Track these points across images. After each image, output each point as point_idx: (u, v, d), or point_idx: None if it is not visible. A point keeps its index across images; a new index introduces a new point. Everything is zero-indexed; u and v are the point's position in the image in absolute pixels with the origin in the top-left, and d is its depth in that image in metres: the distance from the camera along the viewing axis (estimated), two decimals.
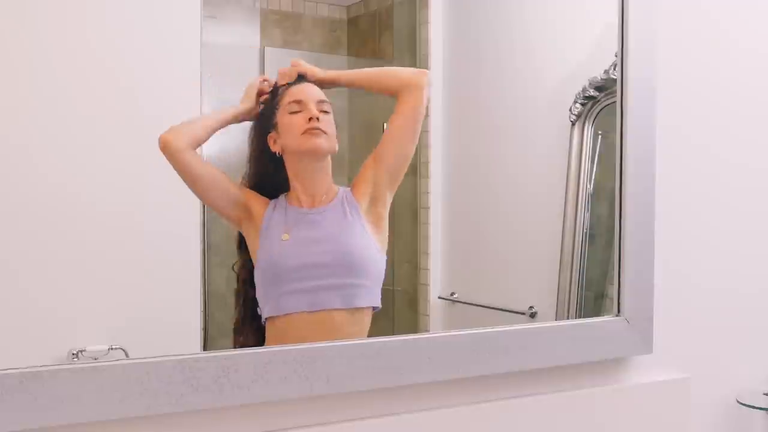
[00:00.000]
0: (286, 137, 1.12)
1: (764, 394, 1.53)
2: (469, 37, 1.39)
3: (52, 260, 0.99)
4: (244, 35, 1.18)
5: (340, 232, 1.13)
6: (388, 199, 1.16)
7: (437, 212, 1.32)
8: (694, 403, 1.41)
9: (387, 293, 1.29)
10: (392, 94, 1.16)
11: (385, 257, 1.14)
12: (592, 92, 1.37)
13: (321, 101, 1.13)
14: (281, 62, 1.19)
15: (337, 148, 1.14)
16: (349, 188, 1.15)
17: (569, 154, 1.39)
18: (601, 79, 1.37)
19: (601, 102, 1.37)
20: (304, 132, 1.11)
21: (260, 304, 1.10)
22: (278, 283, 1.10)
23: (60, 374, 0.89)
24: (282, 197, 1.13)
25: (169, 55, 1.07)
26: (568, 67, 1.42)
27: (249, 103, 1.12)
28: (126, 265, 1.03)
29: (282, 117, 1.12)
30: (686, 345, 1.45)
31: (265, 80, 1.14)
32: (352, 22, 1.25)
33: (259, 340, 1.10)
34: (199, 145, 1.05)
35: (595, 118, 1.38)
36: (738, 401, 1.50)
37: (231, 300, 1.15)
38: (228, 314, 1.15)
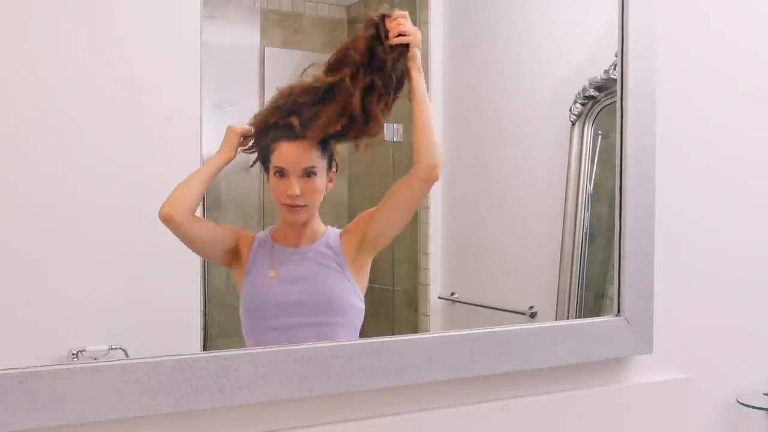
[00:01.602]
0: (273, 197, 1.13)
1: (764, 394, 1.53)
2: (469, 37, 1.39)
3: (52, 260, 0.99)
4: (244, 35, 1.18)
5: (319, 273, 1.14)
6: (374, 252, 1.17)
7: (437, 212, 1.32)
8: (694, 403, 1.41)
9: (387, 293, 1.29)
10: (415, 156, 1.14)
11: (363, 304, 1.15)
12: (592, 92, 1.37)
13: (307, 168, 1.11)
14: (281, 62, 1.19)
15: (319, 203, 1.14)
16: (338, 231, 1.16)
17: (569, 154, 1.39)
18: (601, 79, 1.37)
19: (601, 102, 1.37)
20: (283, 204, 1.12)
21: (245, 339, 1.12)
22: (260, 319, 1.12)
23: (60, 374, 0.89)
24: (267, 234, 1.15)
25: (169, 55, 1.07)
26: (568, 67, 1.42)
27: (229, 152, 1.10)
28: (126, 265, 1.03)
29: (271, 175, 1.12)
30: (686, 345, 1.45)
31: (250, 128, 1.12)
32: (352, 21, 1.25)
33: None
34: (195, 210, 1.06)
35: (595, 118, 1.38)
36: (738, 401, 1.50)
37: (231, 300, 1.16)
38: (228, 314, 1.15)
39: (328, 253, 1.14)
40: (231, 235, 1.13)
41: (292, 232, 1.15)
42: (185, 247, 1.07)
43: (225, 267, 1.13)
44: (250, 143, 1.12)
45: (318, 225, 1.15)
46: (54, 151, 0.98)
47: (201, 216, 1.08)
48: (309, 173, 1.12)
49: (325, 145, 1.13)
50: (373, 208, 1.17)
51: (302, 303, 1.12)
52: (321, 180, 1.13)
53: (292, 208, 1.12)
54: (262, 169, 1.13)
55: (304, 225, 1.15)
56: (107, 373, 0.92)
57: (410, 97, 1.15)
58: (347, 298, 1.15)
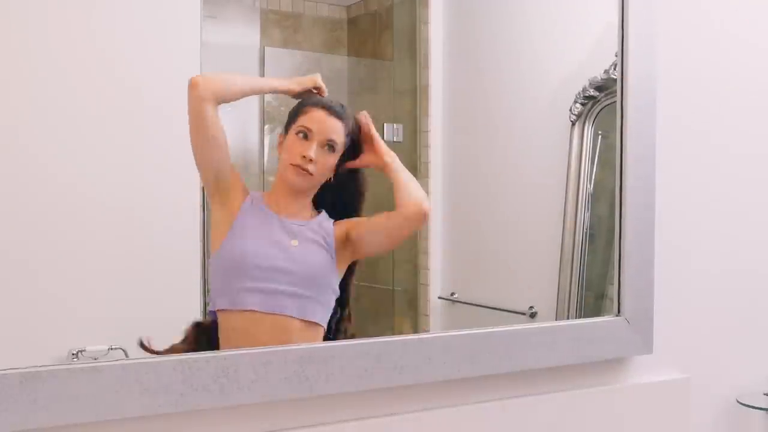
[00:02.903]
0: (283, 152, 1.13)
1: (764, 394, 1.53)
2: (469, 37, 1.39)
3: (52, 260, 0.99)
4: (244, 35, 1.18)
5: (310, 247, 1.14)
6: (352, 255, 1.16)
7: (437, 212, 1.32)
8: (694, 403, 1.41)
9: (387, 293, 1.29)
10: (397, 208, 1.16)
11: (337, 294, 1.15)
12: (592, 92, 1.37)
13: (331, 139, 1.13)
14: (281, 62, 1.19)
15: (322, 182, 1.14)
16: (332, 221, 1.16)
17: (569, 154, 1.39)
18: (601, 79, 1.37)
19: (601, 102, 1.37)
20: (293, 164, 1.12)
21: (212, 294, 1.09)
22: (238, 278, 1.09)
23: (60, 374, 0.89)
24: (259, 196, 1.13)
25: (169, 55, 1.07)
26: (568, 67, 1.42)
27: (296, 86, 1.13)
28: (126, 265, 1.03)
29: (291, 133, 1.13)
30: (686, 345, 1.45)
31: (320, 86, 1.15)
32: (352, 22, 1.25)
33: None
34: (224, 101, 1.06)
35: (595, 118, 1.38)
36: (738, 401, 1.50)
37: None
38: None
39: (320, 232, 1.14)
40: (231, 171, 1.10)
41: (286, 201, 1.13)
42: (185, 246, 1.07)
43: (206, 195, 1.09)
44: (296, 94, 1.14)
45: (311, 205, 1.15)
46: (54, 151, 0.98)
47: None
48: (329, 146, 1.12)
49: (352, 136, 1.15)
50: (365, 219, 1.17)
51: (287, 271, 1.11)
52: (334, 159, 1.13)
53: (301, 170, 1.11)
54: (281, 129, 1.13)
55: (299, 197, 1.14)
56: (107, 373, 0.92)
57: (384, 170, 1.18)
58: (329, 278, 1.14)
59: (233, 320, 1.08)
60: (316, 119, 1.12)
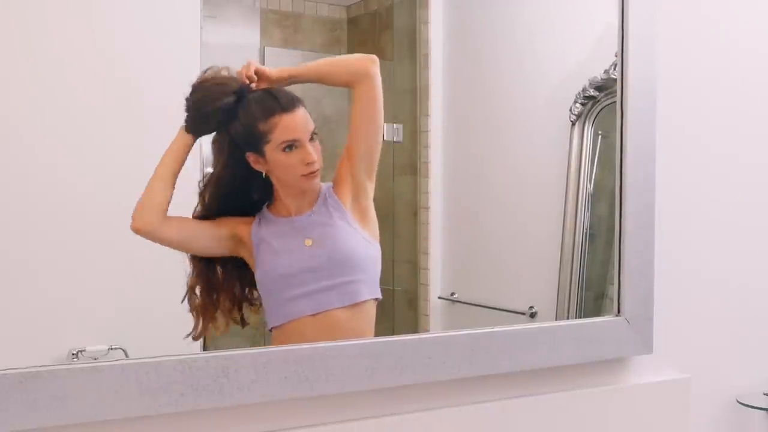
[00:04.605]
0: (281, 173, 1.10)
1: (764, 394, 1.53)
2: (469, 37, 1.39)
3: (52, 260, 0.99)
4: (244, 35, 1.18)
5: (327, 234, 1.13)
6: (370, 190, 1.15)
7: (437, 212, 1.32)
8: (694, 403, 1.41)
9: (387, 293, 1.29)
10: (346, 86, 1.15)
11: (377, 246, 1.14)
12: (592, 92, 1.37)
13: (312, 131, 1.10)
14: (281, 62, 1.19)
15: None
16: (331, 184, 1.15)
17: (569, 154, 1.39)
18: (601, 79, 1.37)
19: (601, 102, 1.37)
20: (302, 175, 1.10)
21: (266, 316, 1.11)
22: (278, 292, 1.11)
23: (60, 374, 0.89)
24: (264, 210, 1.13)
25: (169, 55, 1.07)
26: (568, 67, 1.42)
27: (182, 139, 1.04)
28: (126, 264, 1.03)
29: (273, 152, 1.08)
30: (686, 345, 1.45)
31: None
32: (352, 21, 1.25)
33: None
34: (166, 210, 1.03)
35: (595, 118, 1.38)
36: (738, 401, 1.50)
37: None
38: None
39: (328, 211, 1.13)
40: (220, 225, 1.10)
41: (295, 202, 1.13)
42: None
43: (234, 256, 1.10)
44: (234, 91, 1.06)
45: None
46: (54, 151, 0.98)
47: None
48: (313, 135, 1.10)
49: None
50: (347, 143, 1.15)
51: (317, 268, 1.11)
52: (318, 140, 1.11)
53: (312, 175, 1.10)
54: (251, 150, 1.08)
55: (307, 191, 1.13)
56: (107, 373, 0.92)
57: (302, 81, 1.13)
58: (359, 250, 1.13)
59: (288, 333, 1.10)
60: (290, 127, 1.08)
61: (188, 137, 1.04)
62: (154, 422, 0.97)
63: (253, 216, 1.12)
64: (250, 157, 1.09)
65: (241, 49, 1.17)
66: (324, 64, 1.18)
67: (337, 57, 1.22)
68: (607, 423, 1.31)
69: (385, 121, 1.20)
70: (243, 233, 1.11)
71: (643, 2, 1.31)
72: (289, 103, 1.09)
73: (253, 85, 1.08)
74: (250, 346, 1.05)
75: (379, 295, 1.14)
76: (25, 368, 0.88)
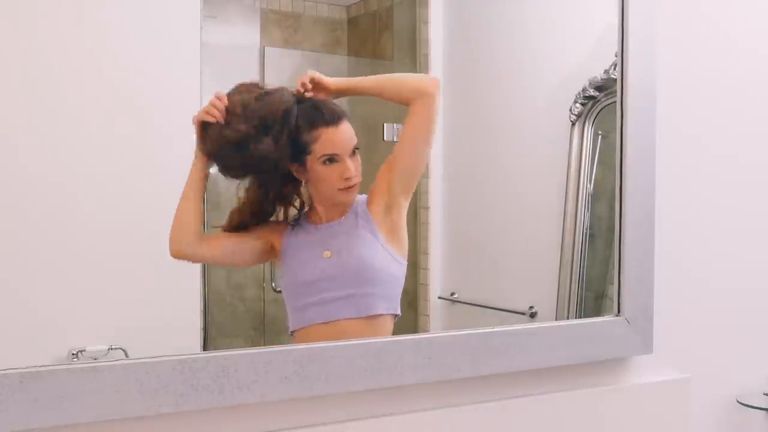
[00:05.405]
0: (319, 185, 1.13)
1: (764, 394, 1.53)
2: (469, 37, 1.39)
3: (52, 260, 0.99)
4: (244, 35, 1.18)
5: (347, 244, 1.14)
6: (404, 207, 1.16)
7: (437, 212, 1.32)
8: (694, 403, 1.41)
9: None
10: (404, 103, 1.15)
11: (402, 263, 1.16)
12: (592, 92, 1.37)
13: (355, 146, 1.11)
14: (281, 62, 1.19)
15: None
16: (365, 196, 1.15)
17: (569, 154, 1.39)
18: (601, 79, 1.37)
19: (601, 102, 1.37)
20: (340, 189, 1.12)
21: (288, 320, 1.14)
22: (297, 299, 1.13)
23: (60, 374, 0.89)
24: (303, 218, 1.15)
25: (169, 55, 1.07)
26: (568, 67, 1.42)
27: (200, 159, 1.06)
28: (126, 265, 1.03)
29: (314, 164, 1.10)
30: (686, 345, 1.45)
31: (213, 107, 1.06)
32: (352, 21, 1.25)
33: None
34: (200, 230, 1.06)
35: (595, 118, 1.38)
36: (738, 401, 1.50)
37: (231, 300, 1.16)
38: (228, 314, 1.15)
39: (355, 221, 1.14)
40: (257, 237, 1.13)
41: (331, 210, 1.14)
42: None
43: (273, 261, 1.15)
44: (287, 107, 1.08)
45: None
46: (54, 151, 0.98)
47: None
48: (355, 150, 1.12)
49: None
50: (388, 160, 1.16)
51: (331, 278, 1.12)
52: (358, 156, 1.13)
53: (349, 190, 1.12)
54: (293, 160, 1.10)
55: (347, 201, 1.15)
56: (107, 373, 0.92)
57: (359, 94, 1.16)
58: (377, 263, 1.14)
59: (303, 338, 1.12)
60: (333, 141, 1.10)
61: (206, 158, 1.06)
62: (154, 422, 0.97)
63: (286, 224, 1.14)
64: (292, 167, 1.11)
65: (241, 49, 1.17)
66: (385, 78, 1.19)
67: (399, 74, 1.22)
68: (607, 423, 1.31)
69: (386, 121, 1.20)
70: (275, 241, 1.14)
71: (643, 2, 1.31)
72: (332, 117, 1.10)
73: (308, 94, 1.10)
74: (250, 346, 1.05)
75: (398, 312, 1.15)
76: (25, 368, 0.88)
